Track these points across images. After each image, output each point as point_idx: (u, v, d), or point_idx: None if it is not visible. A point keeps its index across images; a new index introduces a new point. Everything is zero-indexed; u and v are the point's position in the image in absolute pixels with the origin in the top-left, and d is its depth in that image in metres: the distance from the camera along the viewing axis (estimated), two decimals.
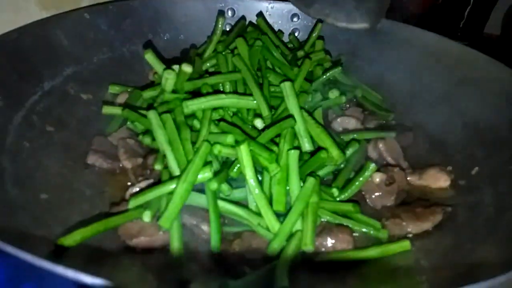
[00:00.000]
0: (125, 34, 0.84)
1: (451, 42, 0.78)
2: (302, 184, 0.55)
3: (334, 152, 0.59)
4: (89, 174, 0.63)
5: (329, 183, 0.62)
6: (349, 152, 0.64)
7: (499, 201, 0.54)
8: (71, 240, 0.47)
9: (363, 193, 0.62)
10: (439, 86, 0.76)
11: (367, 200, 0.62)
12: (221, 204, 0.54)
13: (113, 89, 0.78)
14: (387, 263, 0.52)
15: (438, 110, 0.73)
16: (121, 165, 0.65)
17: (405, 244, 0.53)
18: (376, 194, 0.61)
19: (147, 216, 0.52)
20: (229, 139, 0.57)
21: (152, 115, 0.62)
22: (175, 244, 0.51)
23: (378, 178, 0.61)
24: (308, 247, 0.51)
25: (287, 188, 0.55)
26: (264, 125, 0.62)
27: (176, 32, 0.90)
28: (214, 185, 0.53)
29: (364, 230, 0.56)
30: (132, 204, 0.54)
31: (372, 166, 0.60)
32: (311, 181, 0.54)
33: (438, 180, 0.65)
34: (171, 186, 0.53)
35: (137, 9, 0.85)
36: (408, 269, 0.51)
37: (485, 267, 0.44)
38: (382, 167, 0.65)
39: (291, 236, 0.52)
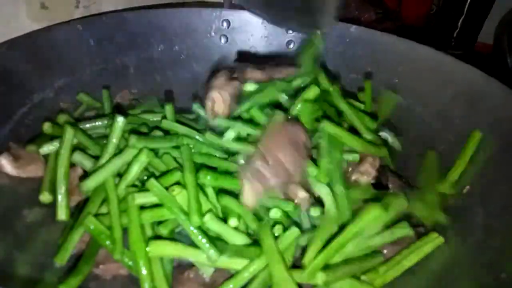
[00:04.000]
0: (119, 46, 0.83)
1: (446, 57, 0.77)
2: None
3: None
4: None
5: None
6: None
7: (489, 223, 0.53)
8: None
9: None
10: (433, 100, 0.74)
11: None
12: None
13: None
14: None
15: (431, 125, 0.72)
16: None
17: None
18: None
19: None
20: None
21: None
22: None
23: None
24: None
25: None
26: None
27: (170, 43, 0.89)
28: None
29: None
30: None
31: None
32: (293, 231, 0.51)
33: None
34: None
35: (130, 20, 0.84)
36: None
37: None
38: None
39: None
